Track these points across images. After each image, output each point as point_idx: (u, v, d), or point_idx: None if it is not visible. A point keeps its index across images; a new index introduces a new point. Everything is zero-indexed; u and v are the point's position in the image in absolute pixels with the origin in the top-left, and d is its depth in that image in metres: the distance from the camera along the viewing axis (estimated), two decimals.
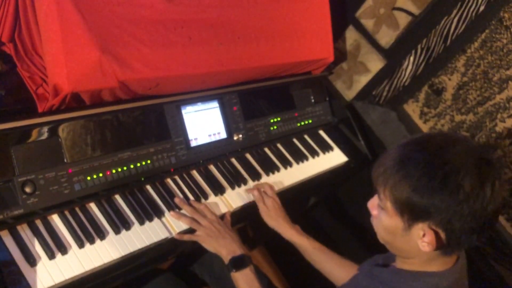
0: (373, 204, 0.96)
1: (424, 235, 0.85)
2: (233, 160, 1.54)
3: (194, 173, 1.43)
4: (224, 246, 1.21)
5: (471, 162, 0.82)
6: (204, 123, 1.45)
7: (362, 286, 0.99)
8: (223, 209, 1.38)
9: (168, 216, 1.28)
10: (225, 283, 1.42)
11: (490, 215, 0.82)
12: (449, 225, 0.82)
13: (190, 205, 1.30)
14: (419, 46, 1.73)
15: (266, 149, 1.65)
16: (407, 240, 0.88)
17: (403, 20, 1.75)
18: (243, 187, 1.47)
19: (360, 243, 1.97)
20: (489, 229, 0.85)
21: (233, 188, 1.45)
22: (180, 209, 1.30)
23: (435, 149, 0.84)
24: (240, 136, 1.54)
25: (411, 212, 0.85)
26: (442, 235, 0.84)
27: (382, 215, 0.92)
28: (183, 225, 1.27)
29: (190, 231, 1.26)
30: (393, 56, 1.82)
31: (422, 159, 0.83)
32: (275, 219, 1.38)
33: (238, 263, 1.18)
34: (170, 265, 1.54)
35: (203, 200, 1.37)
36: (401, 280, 0.92)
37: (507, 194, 0.88)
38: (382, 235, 0.96)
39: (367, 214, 1.02)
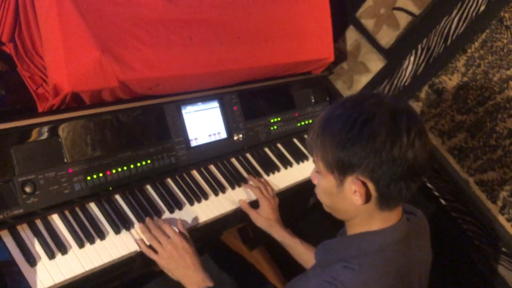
0: (313, 173, 1.00)
1: (355, 191, 0.88)
2: (233, 160, 1.54)
3: (194, 173, 1.43)
4: (187, 278, 1.13)
5: (385, 111, 0.85)
6: (204, 123, 1.45)
7: (318, 261, 1.02)
8: (224, 209, 1.38)
9: (168, 216, 1.28)
10: (222, 286, 1.42)
11: (412, 162, 0.84)
12: (374, 174, 0.85)
13: (154, 223, 1.21)
14: (419, 46, 1.73)
15: (266, 149, 1.65)
16: (343, 198, 0.91)
17: (403, 20, 1.75)
18: (243, 187, 1.47)
19: None
20: (415, 176, 0.87)
21: (233, 188, 1.45)
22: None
23: (353, 104, 0.89)
24: (240, 136, 1.54)
25: (338, 167, 0.88)
26: (370, 185, 0.87)
27: (320, 179, 0.95)
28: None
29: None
30: (394, 56, 1.82)
31: (341, 114, 0.88)
32: (266, 221, 1.37)
33: None
34: None
35: (203, 200, 1.37)
36: (348, 245, 0.95)
37: (428, 143, 0.90)
38: (323, 200, 0.98)
39: None
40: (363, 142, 0.84)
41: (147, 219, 1.21)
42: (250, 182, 1.47)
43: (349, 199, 0.90)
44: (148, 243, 1.17)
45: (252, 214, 1.39)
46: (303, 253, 1.32)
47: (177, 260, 1.14)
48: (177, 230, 1.20)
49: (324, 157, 0.90)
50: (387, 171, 0.85)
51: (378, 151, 0.83)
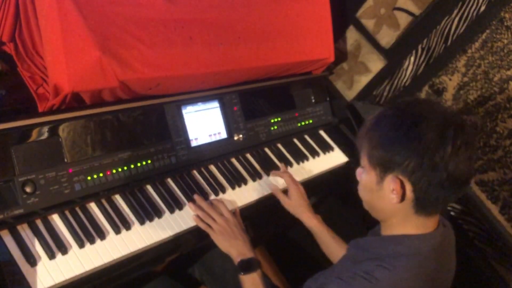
0: (358, 169, 1.02)
1: (393, 189, 0.90)
2: (234, 160, 1.54)
3: (195, 173, 1.43)
4: (236, 248, 1.23)
5: (436, 118, 0.87)
6: (204, 123, 1.45)
7: (349, 256, 1.03)
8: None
9: (169, 216, 1.28)
10: (226, 284, 1.42)
11: (452, 172, 0.86)
12: (413, 176, 0.87)
13: (208, 201, 1.32)
14: (419, 46, 1.73)
15: (267, 149, 1.65)
16: (382, 196, 0.93)
17: (403, 20, 1.75)
18: (243, 187, 1.47)
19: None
20: (455, 186, 0.89)
21: (233, 188, 1.45)
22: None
23: (405, 106, 0.92)
24: (241, 136, 1.54)
25: (380, 164, 0.92)
26: (408, 185, 0.89)
27: (363, 175, 0.98)
28: (183, 225, 1.27)
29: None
30: (394, 56, 1.82)
31: (393, 114, 0.92)
32: (297, 207, 1.41)
33: (247, 266, 1.20)
34: (164, 267, 1.54)
35: None
36: (384, 245, 0.96)
37: (474, 158, 0.91)
38: (363, 197, 1.01)
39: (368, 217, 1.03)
40: (408, 143, 0.87)
41: (198, 198, 1.32)
42: (280, 170, 1.53)
43: (386, 197, 0.92)
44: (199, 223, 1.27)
45: (283, 199, 1.44)
46: (328, 244, 1.34)
47: (229, 233, 1.25)
48: (228, 208, 1.31)
49: (369, 153, 0.94)
50: (426, 176, 0.86)
51: (421, 154, 0.86)
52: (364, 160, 0.96)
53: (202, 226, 1.27)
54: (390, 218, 0.97)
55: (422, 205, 0.91)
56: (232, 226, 1.26)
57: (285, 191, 1.47)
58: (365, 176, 0.97)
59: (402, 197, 0.90)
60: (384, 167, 0.91)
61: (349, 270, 0.94)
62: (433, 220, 0.96)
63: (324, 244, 1.36)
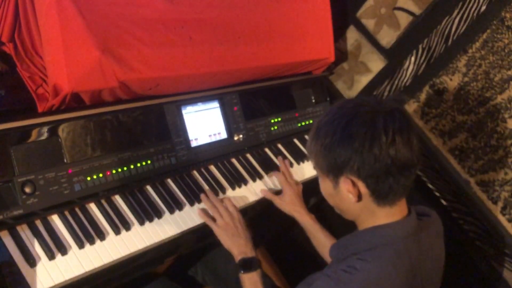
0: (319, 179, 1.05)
1: (348, 190, 0.94)
2: (234, 161, 1.54)
3: (194, 173, 1.43)
4: (238, 246, 1.24)
5: (364, 113, 0.90)
6: (204, 123, 1.45)
7: (332, 257, 1.06)
8: None
9: (168, 216, 1.27)
10: (229, 284, 1.42)
11: (395, 158, 0.88)
12: (360, 172, 0.91)
13: (216, 197, 1.34)
14: (420, 46, 1.73)
15: (267, 149, 1.65)
16: (342, 198, 0.97)
17: (404, 20, 1.75)
18: (243, 188, 1.47)
19: None
20: (403, 171, 0.91)
21: (233, 188, 1.45)
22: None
23: (337, 109, 0.95)
24: (241, 136, 1.54)
25: (329, 170, 0.95)
26: (360, 183, 0.92)
27: (321, 183, 1.02)
28: (183, 226, 1.27)
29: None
30: (394, 56, 1.81)
31: (327, 120, 0.95)
32: (289, 206, 1.42)
33: (247, 265, 1.21)
34: (165, 268, 1.54)
35: None
36: (359, 240, 0.99)
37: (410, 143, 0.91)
38: (331, 203, 1.04)
39: None
40: (345, 144, 0.90)
41: (208, 191, 1.34)
42: (277, 171, 1.53)
43: (346, 198, 0.95)
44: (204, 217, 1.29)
45: (276, 200, 1.44)
46: (323, 243, 1.35)
47: (232, 229, 1.26)
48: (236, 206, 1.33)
49: (317, 162, 0.98)
50: (371, 169, 0.89)
51: (359, 151, 0.89)
52: (316, 169, 1.00)
53: (206, 220, 1.28)
54: (358, 216, 1.00)
55: (380, 196, 0.94)
56: (237, 223, 1.27)
57: (278, 192, 1.47)
58: (322, 184, 1.01)
59: (359, 195, 0.94)
60: (334, 172, 0.94)
61: (332, 269, 0.96)
62: (399, 208, 0.98)
63: (318, 242, 1.36)
